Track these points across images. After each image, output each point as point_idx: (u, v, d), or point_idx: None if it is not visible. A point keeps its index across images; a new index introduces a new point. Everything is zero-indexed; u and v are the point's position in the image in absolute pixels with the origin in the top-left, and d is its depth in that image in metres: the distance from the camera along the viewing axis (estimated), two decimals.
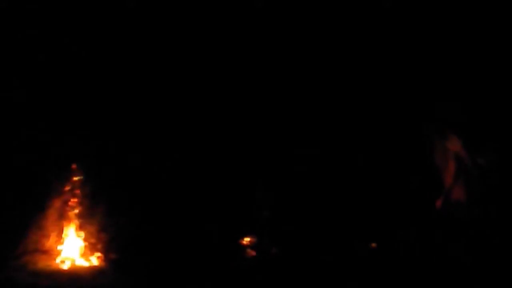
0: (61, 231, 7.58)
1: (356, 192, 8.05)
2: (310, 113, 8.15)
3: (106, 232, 7.58)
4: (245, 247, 7.83)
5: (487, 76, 7.65)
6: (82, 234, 7.61)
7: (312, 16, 7.89)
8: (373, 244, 7.82)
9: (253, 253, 7.78)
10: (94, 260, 7.54)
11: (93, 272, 7.26)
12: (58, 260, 7.44)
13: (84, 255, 7.55)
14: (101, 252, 7.56)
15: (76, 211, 7.64)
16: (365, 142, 8.13)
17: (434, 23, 7.70)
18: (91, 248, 7.58)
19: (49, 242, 7.51)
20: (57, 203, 7.58)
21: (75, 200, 7.65)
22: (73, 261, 7.46)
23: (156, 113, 7.87)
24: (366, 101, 8.07)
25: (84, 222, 7.62)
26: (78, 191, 7.68)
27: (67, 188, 7.66)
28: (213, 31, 7.88)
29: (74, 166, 7.70)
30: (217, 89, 8.01)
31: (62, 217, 7.60)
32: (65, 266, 7.39)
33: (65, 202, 7.63)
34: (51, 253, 7.47)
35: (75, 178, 7.69)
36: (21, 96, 7.56)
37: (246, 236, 7.87)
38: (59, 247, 7.53)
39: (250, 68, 8.00)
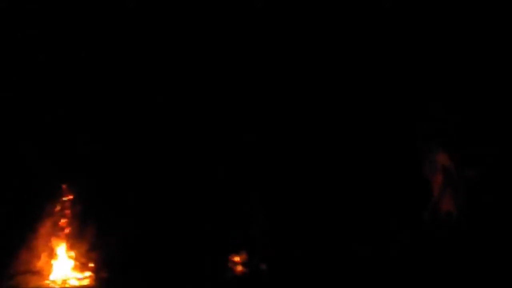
0: (52, 251, 7.58)
1: (347, 207, 8.07)
2: (301, 126, 8.17)
3: (97, 252, 7.59)
4: (236, 264, 7.86)
5: (477, 87, 7.73)
6: (73, 253, 7.62)
7: (311, 16, 7.96)
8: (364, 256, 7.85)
9: (244, 269, 7.80)
10: (85, 280, 7.54)
11: None
12: (49, 280, 7.45)
13: (75, 275, 7.56)
14: (92, 272, 7.57)
15: (67, 231, 7.65)
16: (357, 152, 8.16)
17: (431, 25, 7.76)
18: (82, 267, 7.60)
19: (40, 262, 7.51)
20: (47, 224, 7.58)
21: (66, 220, 7.66)
22: (64, 281, 7.48)
23: (146, 134, 7.88)
24: (360, 107, 8.11)
25: (74, 242, 7.63)
26: (68, 211, 7.69)
27: (57, 208, 7.67)
28: (212, 32, 7.93)
29: (64, 186, 7.72)
30: (212, 101, 8.03)
31: (53, 237, 7.61)
32: (56, 286, 7.41)
33: (56, 222, 7.63)
34: (42, 273, 7.48)
35: (65, 198, 7.71)
36: (14, 113, 7.59)
37: (237, 253, 7.90)
38: (50, 267, 7.54)
39: (246, 73, 8.04)
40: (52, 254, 7.58)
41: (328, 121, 8.13)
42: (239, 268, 7.80)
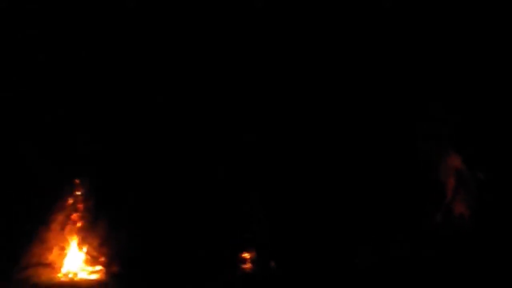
0: (63, 245, 7.66)
1: (353, 205, 8.06)
2: (304, 125, 8.18)
3: (108, 246, 7.65)
4: (244, 261, 7.88)
5: (477, 79, 7.71)
6: (85, 247, 7.69)
7: (311, 16, 7.98)
8: (371, 257, 7.83)
9: (252, 267, 7.82)
10: (96, 274, 7.60)
11: (95, 286, 7.36)
12: (60, 274, 7.52)
13: (86, 269, 7.63)
14: (103, 266, 7.62)
15: (79, 225, 7.73)
16: (363, 153, 8.15)
17: (431, 25, 7.76)
18: (93, 261, 7.66)
19: (52, 256, 7.59)
20: (60, 217, 7.67)
21: (78, 214, 7.74)
22: (75, 274, 7.54)
23: (157, 130, 7.94)
24: (363, 108, 8.11)
25: (86, 236, 7.70)
26: (80, 206, 7.77)
27: (70, 202, 7.75)
28: (212, 32, 7.97)
29: (77, 181, 7.81)
30: (212, 101, 8.06)
31: (65, 231, 7.69)
32: (68, 280, 7.48)
33: (68, 216, 7.72)
34: (53, 267, 7.55)
35: (78, 193, 7.79)
36: (25, 108, 7.67)
37: (245, 250, 7.92)
38: (61, 261, 7.61)
39: (246, 73, 8.06)
40: (64, 248, 7.66)
41: (329, 121, 8.15)
42: (248, 265, 7.84)
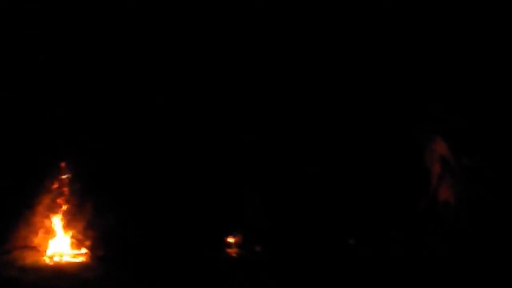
0: (49, 228, 7.68)
1: (344, 192, 8.12)
2: (299, 114, 8.22)
3: (93, 229, 7.67)
4: (230, 245, 7.92)
5: (476, 79, 7.72)
6: (70, 231, 7.71)
7: (311, 16, 7.98)
8: (355, 242, 7.89)
9: (238, 251, 7.86)
10: (81, 257, 7.61)
11: (80, 268, 7.30)
12: (45, 256, 7.52)
13: (71, 252, 7.64)
14: (88, 249, 7.64)
15: (64, 208, 7.75)
16: (354, 143, 8.20)
17: (431, 25, 7.77)
18: (78, 244, 7.68)
19: (37, 239, 7.62)
20: (45, 200, 7.69)
21: (63, 197, 7.77)
22: (61, 257, 7.55)
23: (147, 114, 7.96)
24: (356, 103, 8.17)
25: (72, 219, 7.72)
26: (66, 189, 7.79)
27: (56, 185, 7.77)
28: (212, 32, 7.98)
29: (62, 164, 7.81)
30: (208, 95, 8.10)
31: (50, 214, 7.71)
32: (53, 262, 7.46)
33: (54, 199, 7.74)
34: (39, 249, 7.57)
35: (64, 176, 7.80)
36: (14, 95, 7.65)
37: (231, 234, 7.96)
38: (47, 244, 7.63)
39: (246, 73, 8.10)
40: (49, 231, 7.68)
41: (327, 119, 8.22)
42: (234, 249, 7.89)
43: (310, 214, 8.10)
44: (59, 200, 7.75)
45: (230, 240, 7.96)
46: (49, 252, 7.58)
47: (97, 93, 7.86)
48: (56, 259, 7.52)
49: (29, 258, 7.41)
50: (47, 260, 7.48)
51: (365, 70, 8.08)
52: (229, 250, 7.89)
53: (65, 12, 7.66)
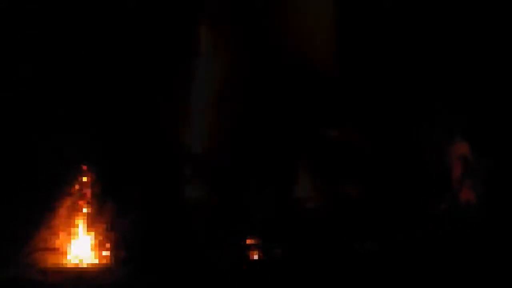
0: (70, 230, 7.72)
1: (360, 193, 8.09)
2: (311, 112, 8.19)
3: (114, 231, 7.70)
4: (248, 247, 7.91)
5: (494, 80, 7.69)
6: (91, 233, 7.75)
7: (311, 16, 7.96)
8: (375, 245, 7.84)
9: (256, 254, 7.85)
10: (102, 259, 7.66)
11: (101, 270, 7.40)
12: (67, 258, 7.59)
13: (92, 254, 7.68)
14: (109, 251, 7.67)
15: (86, 210, 7.78)
16: (376, 145, 8.17)
17: (434, 24, 7.74)
18: (99, 246, 7.71)
19: (59, 241, 7.66)
20: (67, 203, 7.73)
21: (85, 199, 7.80)
22: (82, 259, 7.60)
23: (162, 116, 7.96)
24: (370, 102, 8.11)
25: (93, 221, 7.76)
26: (87, 191, 7.81)
27: (77, 188, 7.80)
28: (212, 32, 7.98)
29: (84, 167, 7.85)
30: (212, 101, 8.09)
31: (72, 216, 7.74)
32: (74, 265, 7.54)
33: (75, 202, 7.77)
34: (60, 251, 7.62)
35: (85, 179, 7.84)
36: (31, 97, 7.72)
37: (249, 237, 7.95)
38: (68, 246, 7.67)
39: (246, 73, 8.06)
40: (70, 233, 7.72)
41: (345, 120, 8.19)
42: (252, 252, 7.87)
43: (329, 217, 8.07)
44: (80, 203, 7.78)
45: (250, 242, 7.94)
46: (70, 254, 7.63)
47: (117, 96, 7.89)
48: (77, 261, 7.57)
49: (51, 260, 7.49)
50: (68, 262, 7.55)
51: (365, 71, 8.06)
52: (249, 252, 7.88)
53: (65, 12, 7.70)
